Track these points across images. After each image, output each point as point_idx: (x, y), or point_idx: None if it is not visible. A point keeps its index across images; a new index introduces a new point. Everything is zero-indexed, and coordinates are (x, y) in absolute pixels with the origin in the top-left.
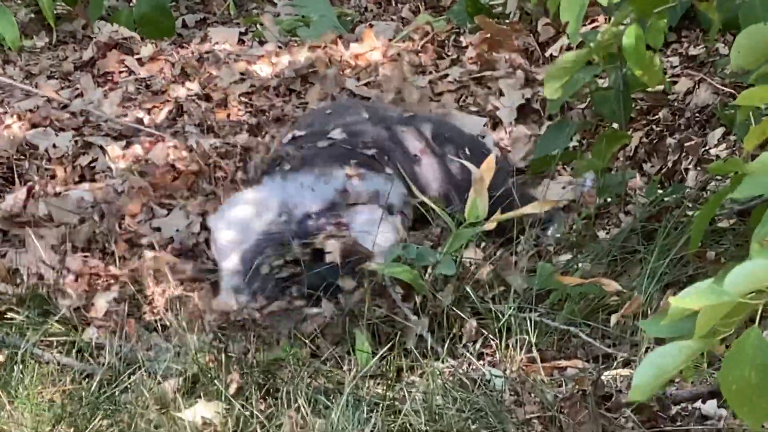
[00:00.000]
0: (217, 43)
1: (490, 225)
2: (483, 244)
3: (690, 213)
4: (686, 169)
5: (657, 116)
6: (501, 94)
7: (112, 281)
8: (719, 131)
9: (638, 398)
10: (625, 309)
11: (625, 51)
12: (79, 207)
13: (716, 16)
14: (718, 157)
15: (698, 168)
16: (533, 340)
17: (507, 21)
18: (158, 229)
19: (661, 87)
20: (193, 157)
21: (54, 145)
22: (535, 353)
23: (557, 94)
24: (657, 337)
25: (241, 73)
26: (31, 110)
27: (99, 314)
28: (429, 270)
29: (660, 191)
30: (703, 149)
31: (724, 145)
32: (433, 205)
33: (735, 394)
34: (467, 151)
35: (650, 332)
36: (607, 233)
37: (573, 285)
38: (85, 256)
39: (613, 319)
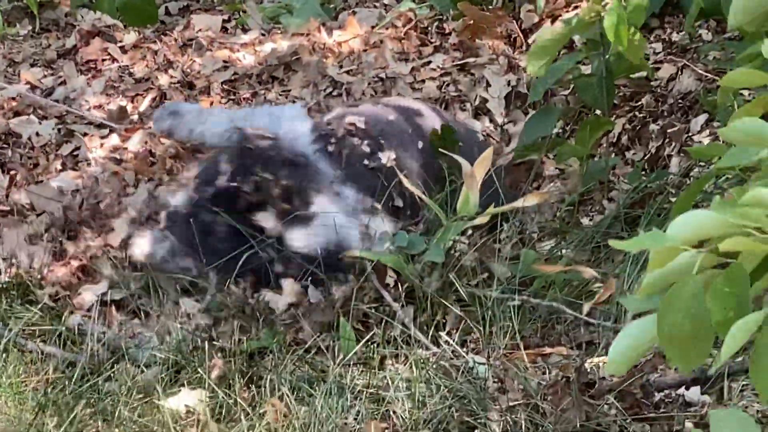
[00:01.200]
0: (200, 30)
1: (483, 219)
2: (469, 231)
3: (673, 199)
4: (669, 156)
5: (640, 103)
6: (486, 83)
7: (97, 269)
8: (702, 117)
9: (615, 372)
10: (598, 297)
11: (606, 28)
12: (61, 195)
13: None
14: (701, 143)
15: (681, 154)
16: (517, 327)
17: (490, 7)
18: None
19: (644, 73)
20: (172, 142)
21: (37, 134)
22: (518, 340)
23: (541, 72)
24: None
25: (224, 61)
26: (13, 98)
27: (85, 305)
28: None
29: (643, 178)
30: (686, 136)
31: (707, 132)
32: (425, 198)
33: (669, 339)
34: None
35: (629, 307)
36: (590, 220)
37: (555, 273)
38: (65, 243)
39: (585, 307)
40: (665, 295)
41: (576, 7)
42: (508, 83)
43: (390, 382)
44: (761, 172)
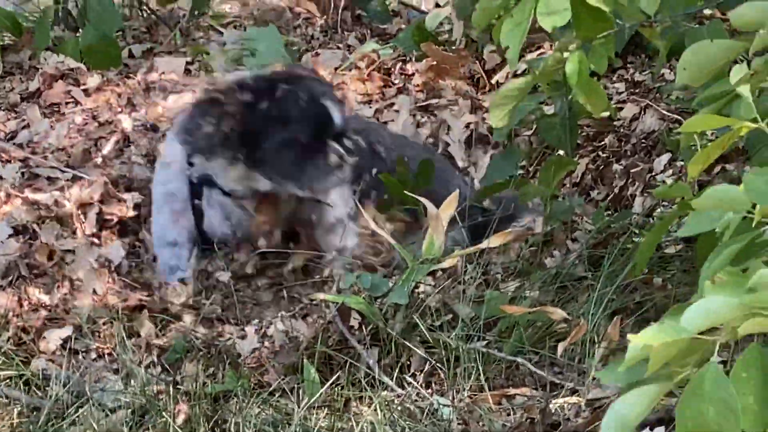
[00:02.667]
0: (163, 73)
1: (449, 262)
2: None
3: (637, 239)
4: (633, 195)
5: (603, 142)
6: (448, 127)
7: (61, 314)
8: (665, 157)
9: None
10: (571, 337)
11: (568, 78)
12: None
13: (661, 43)
14: (664, 182)
15: (645, 194)
16: (481, 369)
17: (453, 48)
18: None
19: (607, 113)
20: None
21: (1, 177)
22: (483, 381)
23: (503, 123)
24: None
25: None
26: None
27: (49, 348)
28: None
29: (607, 218)
30: (649, 175)
31: (670, 171)
32: (391, 240)
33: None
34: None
35: (607, 381)
36: (554, 260)
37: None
38: (28, 289)
39: (560, 347)
40: (687, 387)
41: (539, 48)
42: (468, 126)
43: (355, 425)
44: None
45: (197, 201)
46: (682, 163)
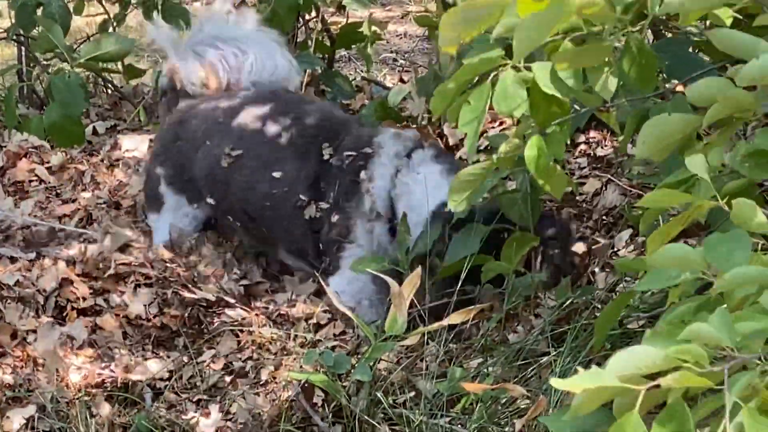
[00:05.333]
0: (127, 150)
1: (412, 340)
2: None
3: (599, 315)
4: (594, 271)
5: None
6: None
7: (24, 394)
8: (627, 233)
9: None
10: (529, 413)
11: (527, 164)
12: None
13: (617, 125)
14: (626, 258)
15: (606, 270)
16: None
17: (414, 126)
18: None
19: (569, 188)
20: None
21: None
22: None
23: (462, 207)
24: None
25: None
26: None
27: (13, 428)
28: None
29: (569, 293)
30: (611, 251)
31: (632, 247)
32: (353, 317)
33: None
34: None
35: (552, 428)
36: (517, 336)
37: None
38: None
39: (518, 424)
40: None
41: (501, 123)
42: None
43: None
44: None
45: None
46: (643, 238)
